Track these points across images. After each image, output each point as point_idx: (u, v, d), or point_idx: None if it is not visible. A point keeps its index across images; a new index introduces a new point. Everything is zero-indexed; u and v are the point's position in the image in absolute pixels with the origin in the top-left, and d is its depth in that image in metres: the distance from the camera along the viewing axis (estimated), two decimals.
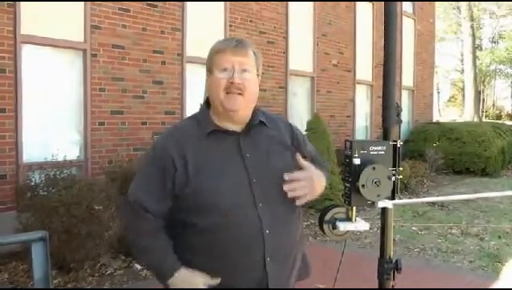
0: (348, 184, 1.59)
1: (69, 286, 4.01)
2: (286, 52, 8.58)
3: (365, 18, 10.75)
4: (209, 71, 1.63)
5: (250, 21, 7.89)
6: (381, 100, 1.70)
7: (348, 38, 10.24)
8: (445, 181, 10.29)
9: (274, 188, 1.56)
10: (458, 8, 32.18)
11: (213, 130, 1.60)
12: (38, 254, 2.02)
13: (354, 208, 1.62)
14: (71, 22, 5.59)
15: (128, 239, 1.70)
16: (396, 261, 1.65)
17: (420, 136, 11.79)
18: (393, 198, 1.63)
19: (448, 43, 37.53)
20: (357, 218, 1.65)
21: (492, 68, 36.33)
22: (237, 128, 1.63)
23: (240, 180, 1.55)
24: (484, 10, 34.90)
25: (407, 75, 12.45)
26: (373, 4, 10.93)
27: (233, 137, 1.61)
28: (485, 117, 34.00)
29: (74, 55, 5.69)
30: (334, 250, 4.41)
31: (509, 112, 37.21)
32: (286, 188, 1.53)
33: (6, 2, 4.97)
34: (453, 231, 6.00)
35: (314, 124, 7.23)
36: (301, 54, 8.98)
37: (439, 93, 37.45)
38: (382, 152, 1.60)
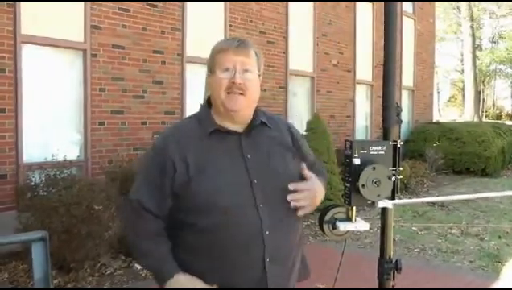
0: (348, 184, 1.59)
1: (69, 286, 4.01)
2: (286, 52, 8.58)
3: (365, 18, 10.75)
4: (211, 70, 1.63)
5: (250, 21, 7.89)
6: (381, 100, 1.69)
7: (348, 38, 10.24)
8: (445, 181, 10.29)
9: (274, 190, 1.57)
10: (458, 8, 32.19)
11: (215, 129, 1.60)
12: (38, 254, 2.02)
13: (354, 208, 1.62)
14: (71, 22, 5.59)
15: (128, 240, 1.70)
16: (396, 261, 1.65)
17: (420, 136, 11.79)
18: (393, 198, 1.63)
19: (448, 43, 37.55)
20: (357, 218, 1.65)
21: (492, 68, 36.33)
22: (238, 128, 1.63)
23: (241, 181, 1.55)
24: (484, 10, 34.90)
25: (407, 75, 12.46)
26: (373, 4, 10.93)
27: (234, 137, 1.61)
28: (485, 117, 34.00)
29: (74, 55, 5.69)
30: (334, 250, 4.41)
31: (510, 112, 37.21)
32: (289, 197, 1.56)
33: (6, 2, 4.97)
34: (453, 231, 6.00)
35: (314, 124, 7.23)
36: (301, 54, 8.98)
37: (439, 93, 37.44)
38: (382, 152, 1.60)
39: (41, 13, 5.30)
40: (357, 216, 1.64)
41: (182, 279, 1.54)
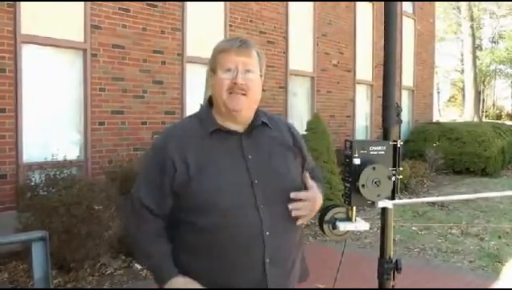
0: (348, 184, 1.59)
1: (69, 286, 4.01)
2: (286, 52, 8.58)
3: (365, 18, 10.75)
4: (213, 71, 1.63)
5: (250, 21, 7.89)
6: (381, 100, 1.70)
7: (348, 38, 10.24)
8: (445, 181, 10.29)
9: (275, 190, 1.57)
10: (458, 8, 32.17)
11: (216, 129, 1.60)
12: (38, 253, 2.02)
13: (354, 208, 1.62)
14: (71, 22, 5.59)
15: (129, 239, 1.71)
16: (396, 261, 1.65)
17: (420, 136, 11.79)
18: (393, 198, 1.63)
19: (448, 43, 37.54)
20: (357, 218, 1.64)
21: (492, 68, 36.32)
22: (239, 128, 1.63)
23: (241, 181, 1.55)
24: (484, 10, 34.90)
25: (407, 75, 12.46)
26: (373, 4, 10.93)
27: (235, 137, 1.61)
28: (485, 117, 33.99)
29: (74, 55, 5.69)
30: (334, 250, 4.41)
31: (510, 112, 37.20)
32: (291, 207, 1.57)
33: (6, 2, 4.97)
34: (453, 231, 6.00)
35: (314, 124, 7.23)
36: (301, 54, 8.98)
37: (439, 93, 37.44)
38: (382, 152, 1.60)
39: (41, 13, 5.30)
40: (357, 216, 1.64)
41: (181, 281, 1.55)
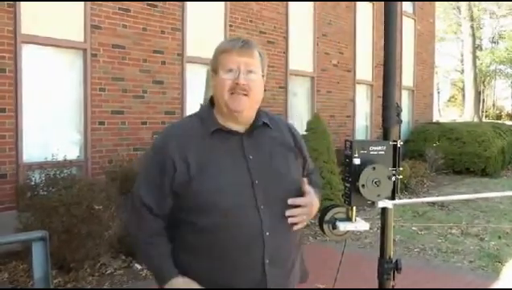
0: (348, 184, 1.59)
1: (69, 286, 4.01)
2: (286, 52, 8.58)
3: (365, 18, 10.75)
4: (214, 71, 1.63)
5: (250, 21, 7.89)
6: (381, 100, 1.69)
7: (348, 38, 10.25)
8: (445, 181, 10.29)
9: (276, 190, 1.57)
10: (458, 8, 32.18)
11: (217, 128, 1.60)
12: (38, 253, 2.02)
13: (354, 208, 1.62)
14: (71, 22, 5.59)
15: (130, 238, 1.71)
16: (396, 261, 1.65)
17: (420, 136, 11.79)
18: (393, 198, 1.63)
19: (448, 43, 37.54)
20: (357, 218, 1.64)
21: (492, 68, 36.31)
22: (240, 128, 1.63)
23: (242, 181, 1.55)
24: (484, 10, 34.89)
25: (407, 75, 12.46)
26: (373, 4, 10.93)
27: (236, 137, 1.61)
28: (485, 117, 33.99)
29: (74, 55, 5.69)
30: (334, 250, 4.41)
31: (510, 112, 37.20)
32: (288, 213, 1.56)
33: (6, 2, 4.97)
34: (453, 231, 6.00)
35: (314, 124, 7.22)
36: (301, 54, 8.98)
37: (439, 93, 37.44)
38: (382, 152, 1.60)
39: (41, 13, 5.30)
40: (357, 216, 1.64)
41: (180, 281, 1.55)
